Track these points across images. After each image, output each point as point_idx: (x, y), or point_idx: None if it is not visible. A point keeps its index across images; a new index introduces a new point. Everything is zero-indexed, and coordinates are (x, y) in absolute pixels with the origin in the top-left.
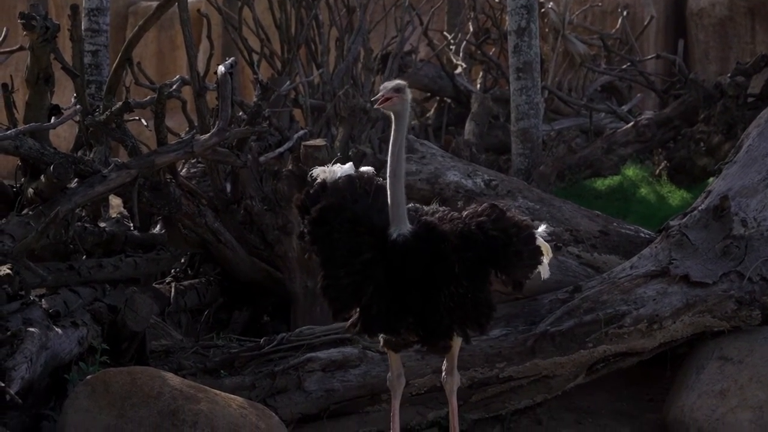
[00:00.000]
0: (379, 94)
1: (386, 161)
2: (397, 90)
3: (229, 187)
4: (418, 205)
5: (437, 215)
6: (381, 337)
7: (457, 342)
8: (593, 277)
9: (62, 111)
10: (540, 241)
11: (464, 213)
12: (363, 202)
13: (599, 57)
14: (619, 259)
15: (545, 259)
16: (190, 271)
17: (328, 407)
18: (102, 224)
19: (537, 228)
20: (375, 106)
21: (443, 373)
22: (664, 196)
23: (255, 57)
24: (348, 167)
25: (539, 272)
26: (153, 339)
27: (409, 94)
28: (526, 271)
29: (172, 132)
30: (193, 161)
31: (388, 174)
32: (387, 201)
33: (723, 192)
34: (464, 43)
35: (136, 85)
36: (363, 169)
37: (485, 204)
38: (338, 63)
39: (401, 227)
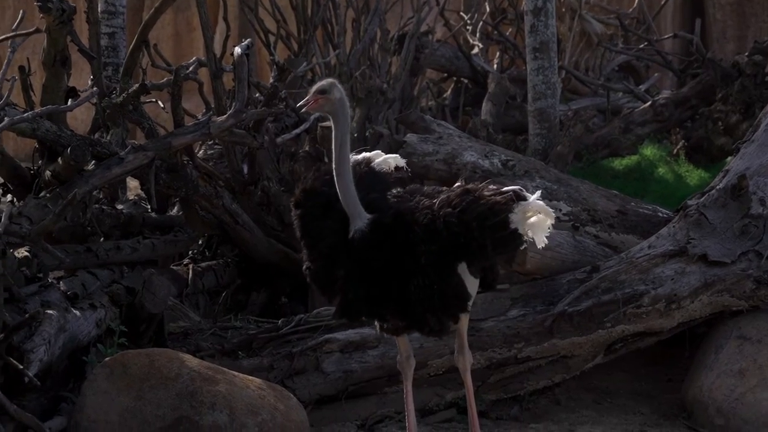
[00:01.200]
0: (305, 98)
1: (403, 142)
2: (321, 92)
3: (246, 169)
4: (416, 185)
5: (410, 204)
6: (376, 323)
7: (464, 320)
8: (611, 257)
9: (79, 93)
10: (518, 220)
11: (437, 200)
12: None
13: (616, 36)
14: (636, 238)
15: (549, 222)
16: (207, 253)
17: (346, 388)
18: (119, 206)
19: (527, 199)
20: (302, 111)
21: (455, 353)
22: (681, 176)
23: (271, 38)
24: (380, 154)
25: (533, 242)
26: (171, 321)
27: (337, 93)
28: (500, 257)
29: (188, 114)
30: (210, 143)
31: (334, 173)
32: (371, 185)
33: (741, 171)
34: (481, 23)
35: (152, 67)
36: (366, 155)
37: (458, 190)
38: (355, 44)
39: (357, 223)
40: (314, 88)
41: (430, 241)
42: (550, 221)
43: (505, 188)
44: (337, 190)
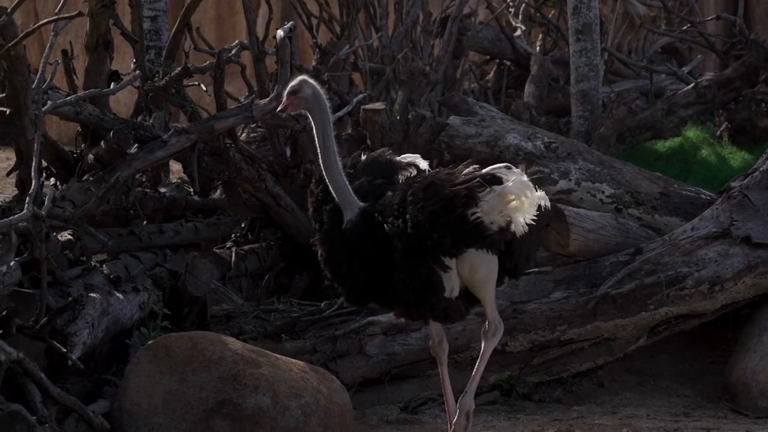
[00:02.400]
0: (282, 103)
1: (446, 125)
2: (292, 92)
3: (288, 152)
4: (435, 171)
5: (387, 198)
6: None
7: (489, 294)
8: (654, 239)
9: (122, 77)
10: (490, 208)
11: (408, 191)
12: (349, 178)
13: (659, 18)
14: (680, 221)
15: (529, 202)
16: (250, 236)
17: (389, 371)
18: (162, 189)
19: (502, 182)
20: (283, 116)
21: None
22: (725, 158)
23: (314, 21)
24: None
25: (515, 227)
26: (214, 304)
27: (308, 89)
28: (465, 249)
29: (231, 97)
30: (252, 126)
31: (321, 167)
32: (378, 170)
33: None
34: (523, 5)
35: (195, 50)
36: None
37: (424, 182)
38: (397, 26)
39: (348, 213)
40: (286, 89)
41: (396, 237)
42: (530, 201)
43: (483, 171)
44: (329, 184)
